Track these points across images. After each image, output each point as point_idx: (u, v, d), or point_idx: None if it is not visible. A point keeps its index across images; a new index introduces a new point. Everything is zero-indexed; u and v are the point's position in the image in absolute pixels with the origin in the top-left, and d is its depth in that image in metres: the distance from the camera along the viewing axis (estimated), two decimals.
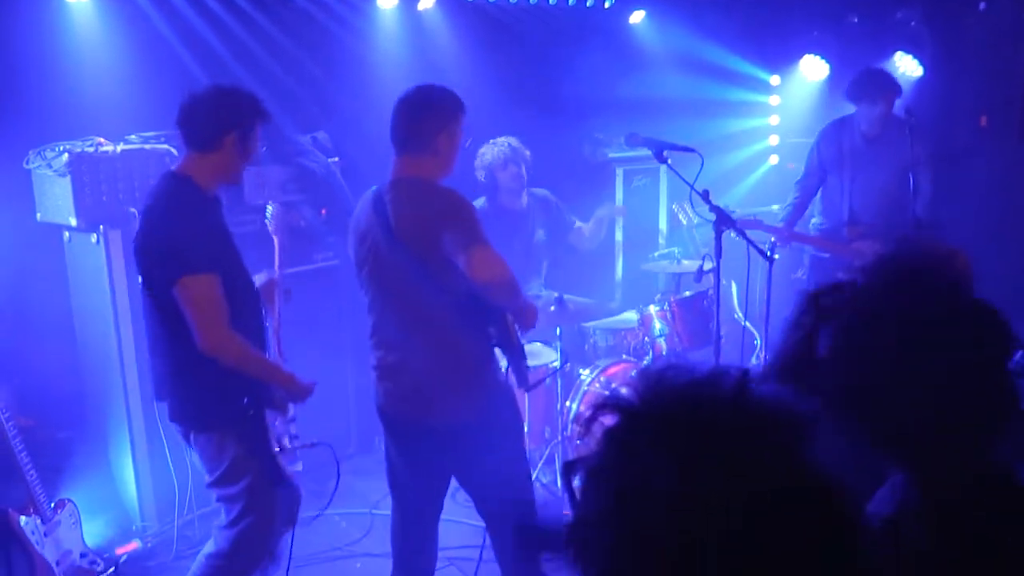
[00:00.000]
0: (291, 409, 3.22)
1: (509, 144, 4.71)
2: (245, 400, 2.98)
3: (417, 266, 2.95)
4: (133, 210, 3.03)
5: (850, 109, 4.95)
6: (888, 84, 4.77)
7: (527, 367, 3.22)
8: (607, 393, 4.37)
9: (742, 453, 0.84)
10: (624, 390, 0.93)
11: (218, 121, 2.92)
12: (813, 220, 5.25)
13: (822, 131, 5.12)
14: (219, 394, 2.96)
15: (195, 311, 2.81)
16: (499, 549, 3.41)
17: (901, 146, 4.70)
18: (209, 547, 3.13)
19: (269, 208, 3.66)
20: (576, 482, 0.94)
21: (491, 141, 4.73)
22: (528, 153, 4.74)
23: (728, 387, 0.88)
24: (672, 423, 0.87)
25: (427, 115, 3.01)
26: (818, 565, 0.83)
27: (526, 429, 4.50)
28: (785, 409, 0.88)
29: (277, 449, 3.11)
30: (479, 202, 4.77)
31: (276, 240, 3.60)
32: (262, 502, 3.07)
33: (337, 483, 3.51)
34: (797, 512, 0.83)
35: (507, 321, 3.12)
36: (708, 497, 0.82)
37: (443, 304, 2.98)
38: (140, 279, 2.97)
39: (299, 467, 4.06)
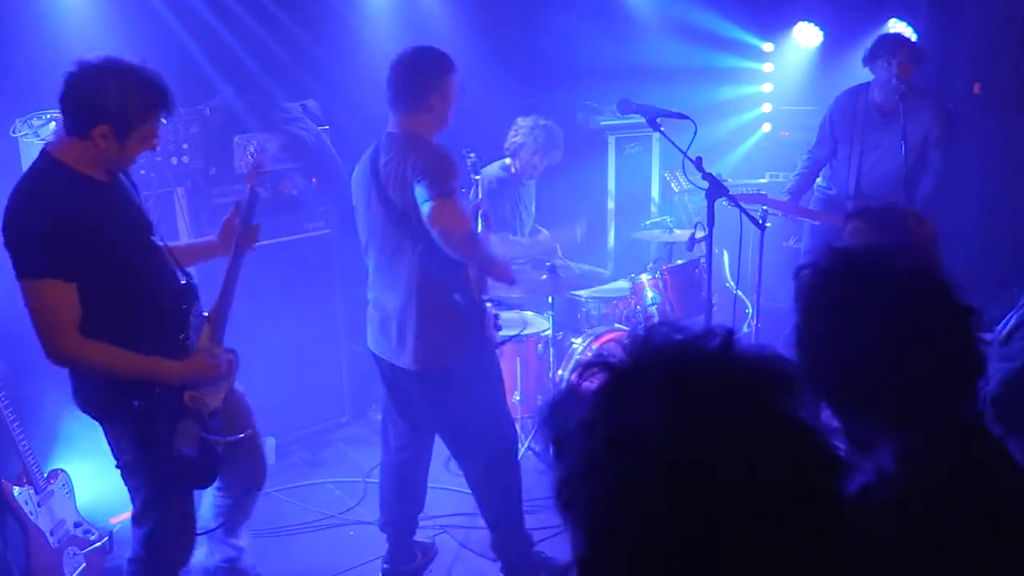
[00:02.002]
0: (210, 401, 2.85)
1: (551, 132, 4.76)
2: (135, 403, 2.68)
3: (396, 215, 3.18)
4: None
5: (853, 79, 4.89)
6: (904, 43, 4.66)
7: (489, 326, 3.37)
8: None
9: (728, 400, 0.86)
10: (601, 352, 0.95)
11: (88, 108, 2.54)
12: (818, 181, 5.14)
13: (836, 98, 4.99)
14: (107, 393, 2.72)
15: (36, 320, 2.55)
16: (482, 505, 3.55)
17: (916, 122, 4.63)
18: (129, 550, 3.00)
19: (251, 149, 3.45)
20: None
21: (536, 118, 4.77)
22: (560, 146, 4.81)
23: (715, 343, 0.91)
24: (661, 373, 0.89)
25: (419, 75, 3.21)
26: (800, 508, 0.84)
27: (517, 398, 4.53)
28: (770, 362, 0.90)
29: (186, 449, 2.75)
30: (496, 166, 4.80)
31: (249, 187, 3.17)
32: (161, 505, 2.86)
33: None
34: (779, 458, 0.84)
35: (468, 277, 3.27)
36: (695, 438, 0.84)
37: (418, 253, 3.19)
38: None
39: (272, 441, 4.08)
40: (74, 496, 3.57)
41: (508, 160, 4.87)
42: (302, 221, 4.77)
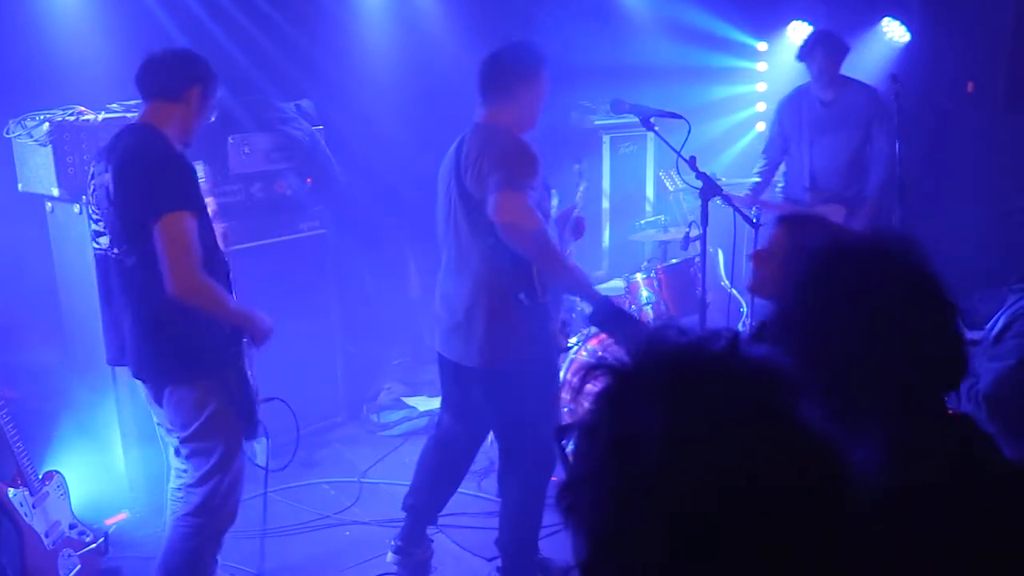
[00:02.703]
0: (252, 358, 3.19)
1: None
2: (233, 349, 3.01)
3: (472, 207, 3.13)
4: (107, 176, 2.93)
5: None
6: (820, 41, 4.81)
7: (554, 329, 3.35)
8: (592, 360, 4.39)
9: (731, 401, 0.86)
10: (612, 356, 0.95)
11: (184, 71, 2.98)
12: (779, 186, 5.28)
13: (782, 100, 5.18)
14: (203, 344, 2.95)
15: (172, 250, 2.78)
16: (507, 521, 3.48)
17: (859, 111, 4.80)
18: (178, 508, 3.11)
19: None
20: (569, 446, 0.96)
21: None
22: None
23: (719, 346, 0.91)
24: (664, 375, 0.89)
25: (505, 66, 3.23)
26: (804, 513, 0.84)
27: None
28: (775, 367, 0.90)
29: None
30: None
31: None
32: (234, 458, 3.09)
33: (297, 443, 3.64)
34: (783, 459, 0.84)
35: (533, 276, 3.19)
36: (698, 440, 0.84)
37: (489, 246, 3.13)
38: (106, 238, 2.98)
39: (264, 442, 4.10)
40: (69, 498, 3.56)
41: None
42: (297, 221, 4.77)
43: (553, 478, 3.42)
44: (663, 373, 0.89)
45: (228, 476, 3.08)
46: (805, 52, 4.86)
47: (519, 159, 3.07)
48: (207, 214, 3.00)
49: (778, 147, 5.16)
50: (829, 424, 0.88)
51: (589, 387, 0.95)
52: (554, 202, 3.70)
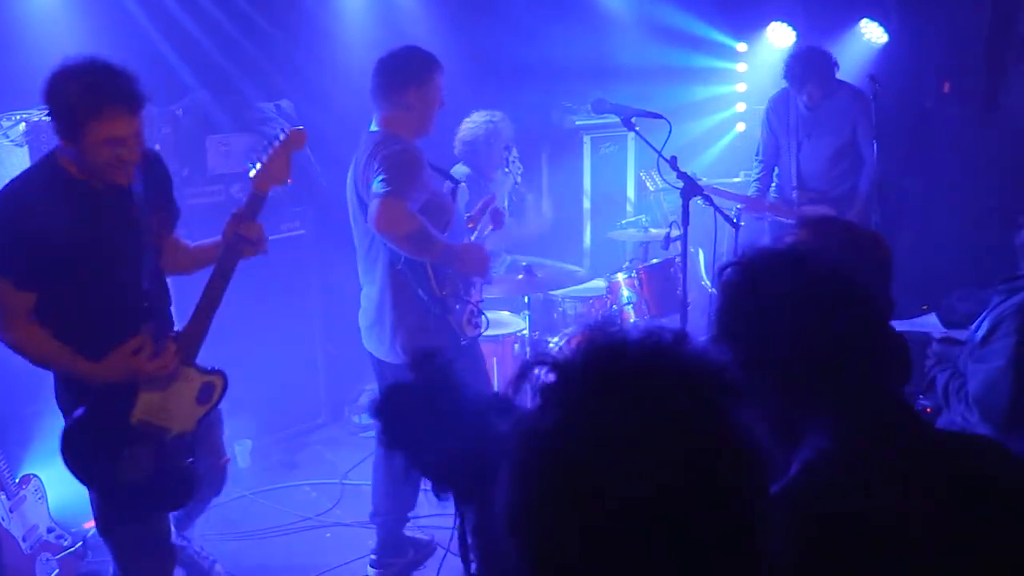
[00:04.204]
0: (174, 426, 2.71)
1: (499, 119, 4.68)
2: (75, 414, 2.63)
3: (364, 212, 3.20)
4: None
5: None
6: (808, 72, 4.75)
7: (457, 323, 3.37)
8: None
9: (660, 403, 0.85)
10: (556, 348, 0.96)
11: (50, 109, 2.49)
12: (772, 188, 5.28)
13: (771, 100, 5.18)
14: (60, 397, 2.73)
15: None
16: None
17: (844, 113, 4.81)
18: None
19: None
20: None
21: (479, 113, 4.69)
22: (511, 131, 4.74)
23: (656, 343, 0.90)
24: (594, 374, 0.89)
25: (397, 72, 3.22)
26: (709, 508, 0.83)
27: None
28: (709, 366, 0.90)
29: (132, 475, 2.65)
30: (459, 169, 4.76)
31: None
32: (120, 530, 2.80)
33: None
34: (705, 465, 0.84)
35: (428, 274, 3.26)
36: (622, 446, 0.83)
37: (389, 249, 3.23)
38: None
39: (248, 444, 4.04)
40: (47, 501, 3.53)
41: (464, 167, 4.80)
42: (277, 222, 4.73)
43: None
44: (593, 373, 0.89)
45: (128, 546, 2.81)
46: (796, 84, 4.82)
47: (397, 164, 3.11)
48: (102, 261, 2.63)
49: (772, 149, 5.17)
50: (763, 426, 0.88)
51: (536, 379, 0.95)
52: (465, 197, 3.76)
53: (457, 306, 3.35)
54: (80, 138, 2.46)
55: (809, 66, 4.77)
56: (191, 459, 2.76)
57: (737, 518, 0.85)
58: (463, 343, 3.41)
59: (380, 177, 3.07)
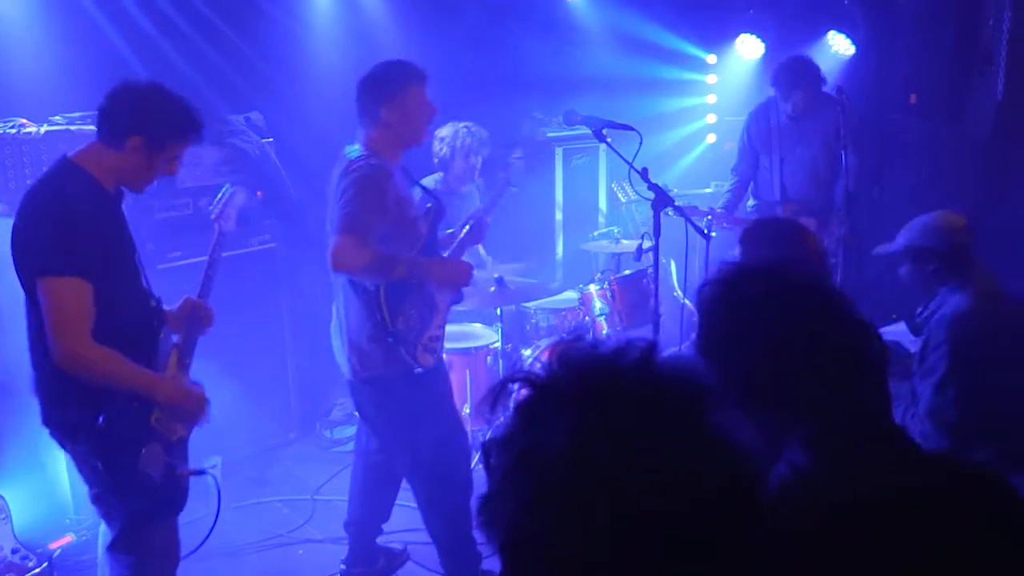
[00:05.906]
0: (178, 430, 2.81)
1: (474, 131, 4.71)
2: (100, 419, 2.61)
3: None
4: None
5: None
6: (797, 79, 4.82)
7: (405, 351, 3.27)
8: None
9: (635, 419, 0.85)
10: (535, 364, 0.95)
11: (128, 118, 2.63)
12: (749, 203, 5.31)
13: (751, 113, 5.20)
14: (74, 409, 2.65)
15: (51, 316, 2.52)
16: (427, 521, 3.53)
17: (827, 123, 4.82)
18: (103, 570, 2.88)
19: (224, 190, 3.29)
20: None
21: (453, 124, 4.71)
22: (487, 141, 4.75)
23: (631, 358, 0.90)
24: (571, 389, 0.89)
25: (366, 92, 3.17)
26: (710, 530, 0.83)
27: (467, 411, 4.51)
28: (684, 380, 0.90)
29: (153, 472, 2.69)
30: (433, 178, 4.76)
31: (217, 228, 3.18)
32: (139, 537, 2.77)
33: (216, 516, 3.04)
34: (686, 480, 0.84)
35: (379, 298, 3.18)
36: (599, 461, 0.83)
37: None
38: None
39: (218, 460, 4.00)
40: (11, 522, 3.47)
41: (440, 174, 4.83)
42: (247, 235, 4.70)
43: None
44: (572, 387, 0.89)
45: (146, 554, 2.80)
46: (783, 91, 4.86)
47: (356, 195, 3.03)
48: (127, 271, 2.74)
49: (749, 162, 5.17)
50: (746, 438, 0.88)
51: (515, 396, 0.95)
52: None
53: (411, 336, 3.26)
54: (158, 151, 2.68)
55: (797, 74, 4.82)
56: (183, 463, 2.86)
57: (736, 536, 0.85)
58: (417, 371, 3.29)
59: (339, 211, 3.04)
